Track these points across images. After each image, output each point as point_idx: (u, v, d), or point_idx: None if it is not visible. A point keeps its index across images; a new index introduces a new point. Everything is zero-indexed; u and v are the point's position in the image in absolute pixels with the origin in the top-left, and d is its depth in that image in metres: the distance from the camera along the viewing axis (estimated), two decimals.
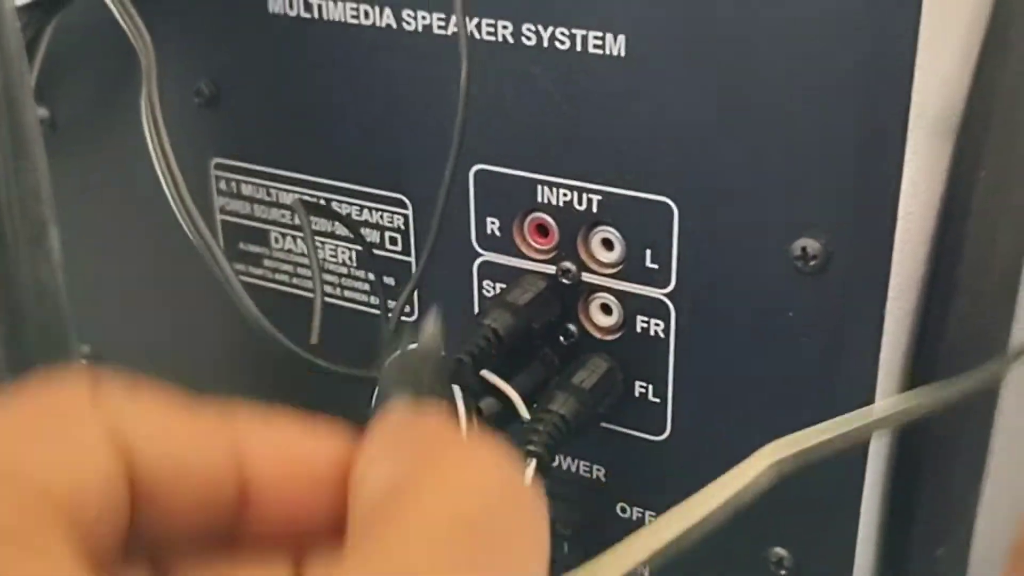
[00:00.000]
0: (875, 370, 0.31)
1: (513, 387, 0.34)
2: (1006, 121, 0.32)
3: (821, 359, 0.31)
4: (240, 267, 0.42)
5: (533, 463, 0.31)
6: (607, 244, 0.34)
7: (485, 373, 0.33)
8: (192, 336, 0.45)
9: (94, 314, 0.44)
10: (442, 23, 0.34)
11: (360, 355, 0.34)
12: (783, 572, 0.34)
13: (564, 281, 0.35)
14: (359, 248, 0.39)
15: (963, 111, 0.31)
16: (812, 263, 0.30)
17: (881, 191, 0.29)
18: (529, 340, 0.34)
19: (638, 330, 0.34)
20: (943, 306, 0.33)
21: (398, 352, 0.21)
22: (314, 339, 0.31)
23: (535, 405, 0.34)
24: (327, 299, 0.41)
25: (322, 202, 0.39)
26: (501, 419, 0.34)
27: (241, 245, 0.42)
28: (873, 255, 0.30)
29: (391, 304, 0.39)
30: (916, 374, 0.33)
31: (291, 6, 0.36)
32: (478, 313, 0.34)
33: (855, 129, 0.28)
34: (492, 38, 0.33)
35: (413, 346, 0.21)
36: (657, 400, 0.35)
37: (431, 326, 0.20)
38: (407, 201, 0.37)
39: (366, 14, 0.35)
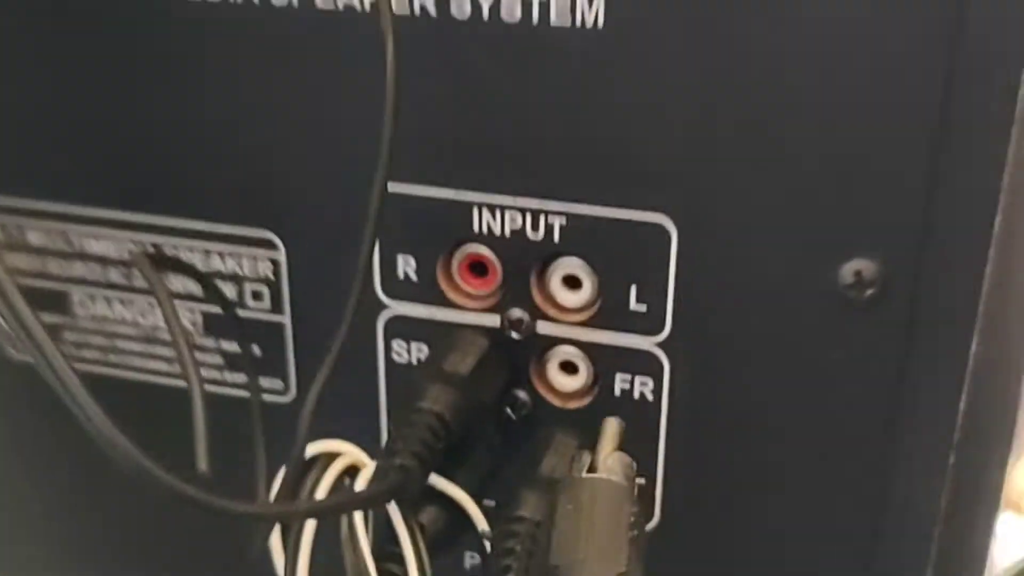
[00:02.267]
0: (950, 435, 0.23)
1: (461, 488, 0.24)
2: None
3: (878, 418, 0.24)
4: None
5: None
6: (572, 283, 0.26)
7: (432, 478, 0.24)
8: None
9: None
10: None
11: (221, 455, 0.24)
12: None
13: (513, 335, 0.26)
14: (206, 309, 0.29)
15: None
16: (868, 291, 0.23)
17: (981, 169, 0.22)
18: (477, 421, 0.25)
19: (617, 393, 0.26)
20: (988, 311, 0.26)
21: None
22: (203, 465, 0.21)
23: (493, 507, 0.25)
24: (161, 379, 0.30)
25: (150, 247, 0.28)
26: (449, 533, 0.25)
27: None
28: (962, 259, 0.22)
29: (264, 383, 0.29)
30: None
31: None
32: (410, 392, 0.24)
33: (948, 103, 0.21)
34: (406, 11, 0.24)
35: None
36: (641, 482, 0.27)
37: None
38: (276, 240, 0.27)
39: None
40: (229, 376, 0.29)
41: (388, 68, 0.21)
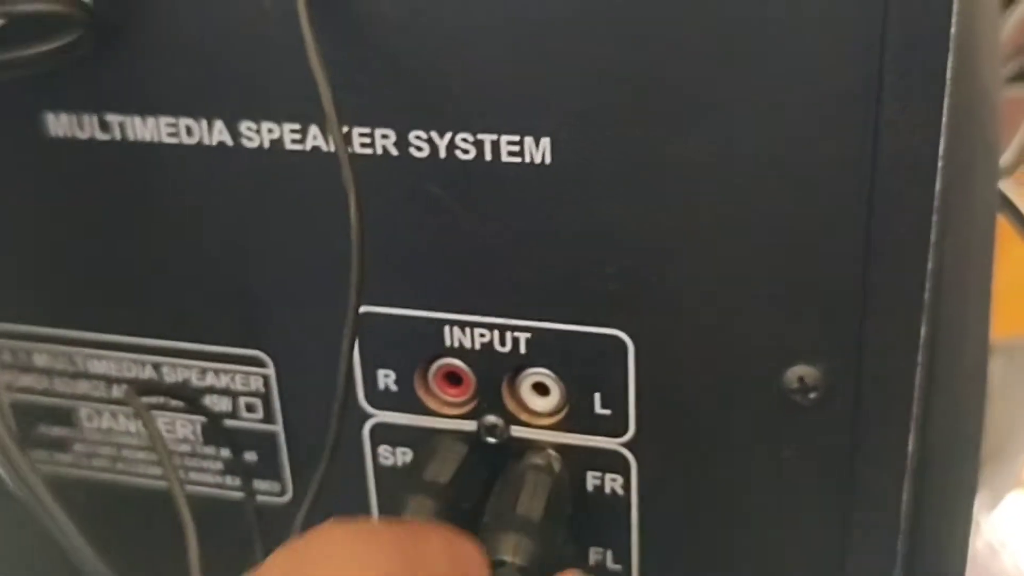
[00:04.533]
0: (897, 522, 0.25)
1: None
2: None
3: (831, 508, 0.26)
4: (42, 455, 0.33)
5: None
6: (541, 389, 0.27)
7: None
8: None
9: None
10: (297, 136, 0.26)
11: (219, 553, 0.26)
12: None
13: (490, 440, 0.28)
14: (204, 419, 0.31)
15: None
16: (812, 395, 0.25)
17: (906, 288, 0.23)
18: (461, 526, 0.27)
19: (590, 489, 0.28)
20: (922, 410, 0.28)
21: None
22: None
23: None
24: (161, 482, 0.32)
25: (149, 368, 0.30)
26: None
27: (41, 428, 0.32)
28: (895, 370, 0.24)
29: (259, 485, 0.31)
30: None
31: (80, 127, 0.28)
32: (393, 504, 0.26)
33: (872, 226, 0.23)
34: (369, 151, 0.26)
35: None
36: (618, 567, 0.28)
37: None
38: (266, 358, 0.29)
39: (188, 130, 0.27)
40: (230, 480, 0.31)
41: (352, 220, 0.23)
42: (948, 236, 0.28)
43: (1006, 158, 0.36)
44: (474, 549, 0.23)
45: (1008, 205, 0.32)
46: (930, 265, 0.23)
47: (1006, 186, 0.33)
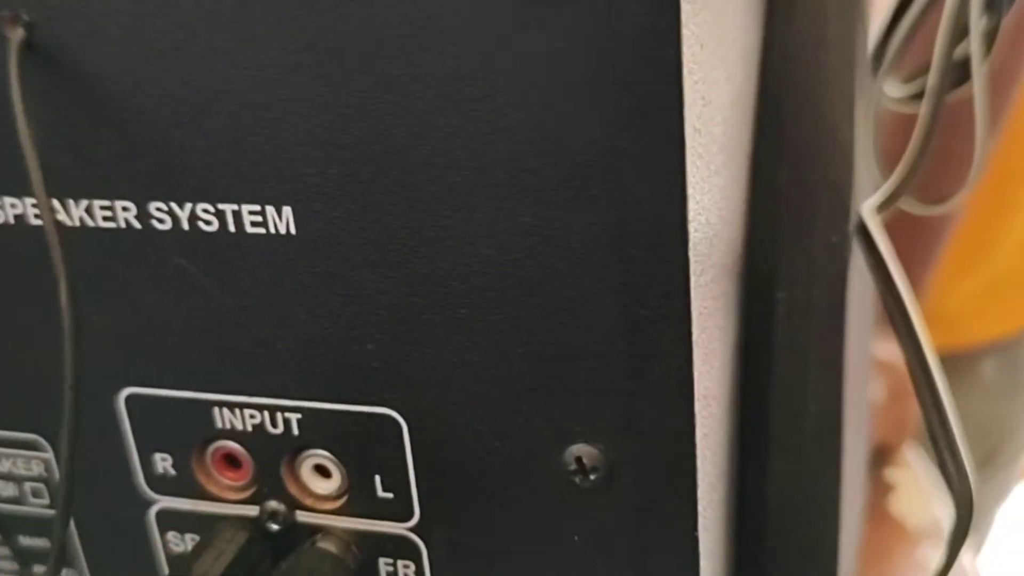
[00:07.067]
0: None
1: None
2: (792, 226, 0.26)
3: None
4: None
5: None
6: (322, 472, 0.25)
7: None
8: None
9: None
10: (38, 211, 0.24)
11: None
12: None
13: (272, 526, 0.26)
14: None
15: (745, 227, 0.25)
16: (593, 476, 0.22)
17: (669, 367, 0.21)
18: None
19: (383, 575, 0.26)
20: (760, 476, 0.26)
21: None
22: None
23: None
24: None
25: None
26: None
27: None
28: (672, 453, 0.22)
29: (38, 571, 0.29)
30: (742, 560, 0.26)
31: None
32: None
33: (626, 300, 0.21)
34: (112, 224, 0.24)
35: None
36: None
37: None
38: (43, 442, 0.27)
39: None
40: (36, 570, 0.29)
41: (63, 305, 0.21)
42: (780, 289, 0.26)
43: (886, 189, 0.33)
44: None
45: (868, 245, 0.29)
46: (694, 335, 0.20)
47: (874, 223, 0.30)
